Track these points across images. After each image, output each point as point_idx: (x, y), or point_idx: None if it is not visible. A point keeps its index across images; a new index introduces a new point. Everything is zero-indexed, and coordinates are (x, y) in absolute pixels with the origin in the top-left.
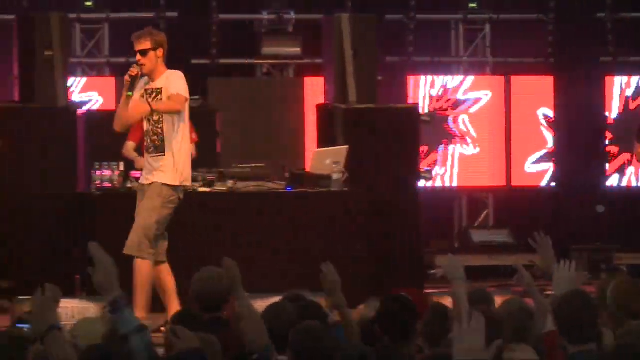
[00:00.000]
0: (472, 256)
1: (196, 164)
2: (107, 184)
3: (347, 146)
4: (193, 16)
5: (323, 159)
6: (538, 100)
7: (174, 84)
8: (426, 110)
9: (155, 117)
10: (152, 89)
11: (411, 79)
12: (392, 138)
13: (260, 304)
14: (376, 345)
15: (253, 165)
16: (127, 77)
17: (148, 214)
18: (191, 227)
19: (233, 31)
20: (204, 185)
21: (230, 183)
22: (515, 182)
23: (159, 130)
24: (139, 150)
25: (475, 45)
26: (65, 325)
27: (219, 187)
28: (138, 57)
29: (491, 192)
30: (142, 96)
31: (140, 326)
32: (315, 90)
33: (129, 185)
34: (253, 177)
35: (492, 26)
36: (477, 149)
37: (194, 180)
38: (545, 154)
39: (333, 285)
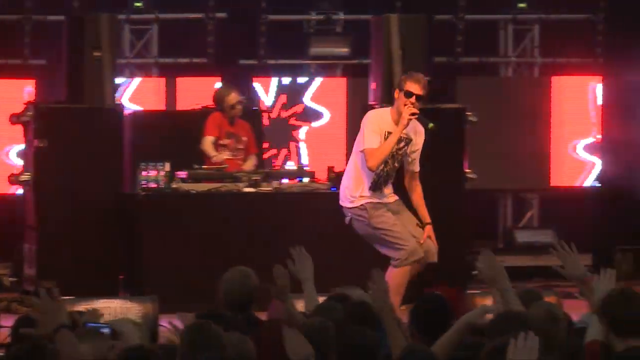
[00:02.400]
0: (516, 257)
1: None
2: (152, 185)
3: None
4: (242, 17)
5: None
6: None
7: (419, 148)
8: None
9: (396, 164)
10: (404, 138)
11: (458, 80)
12: (439, 138)
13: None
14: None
15: (299, 165)
16: (412, 117)
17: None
18: (234, 228)
19: (281, 32)
20: (248, 186)
21: (275, 183)
22: (558, 182)
23: (393, 174)
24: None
25: (524, 45)
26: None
27: (264, 188)
28: (414, 100)
29: (536, 192)
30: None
31: None
32: (360, 91)
33: (174, 185)
34: (298, 176)
35: (541, 26)
36: None
37: (238, 180)
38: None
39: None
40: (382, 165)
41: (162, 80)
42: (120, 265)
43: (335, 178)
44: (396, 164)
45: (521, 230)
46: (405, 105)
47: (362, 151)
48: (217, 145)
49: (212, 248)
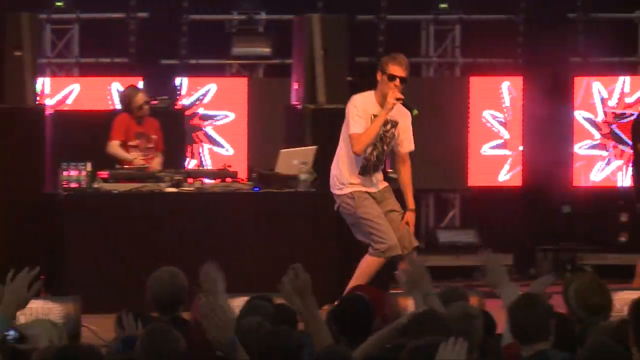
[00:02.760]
0: (438, 257)
1: (164, 165)
2: (74, 184)
3: (315, 147)
4: (164, 16)
5: (290, 159)
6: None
7: (409, 129)
8: None
9: (385, 147)
10: (390, 120)
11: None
12: None
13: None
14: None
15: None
16: (397, 102)
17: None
18: (157, 228)
19: (203, 31)
20: (171, 186)
21: (197, 183)
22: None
23: (382, 158)
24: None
25: (445, 45)
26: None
27: (186, 188)
28: (398, 82)
29: (458, 192)
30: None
31: None
32: (283, 91)
33: (95, 185)
34: (220, 176)
35: (462, 27)
36: None
37: (160, 180)
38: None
39: (303, 287)
40: (371, 149)
41: (84, 80)
42: (42, 265)
43: (257, 178)
44: (385, 147)
45: (443, 230)
46: (389, 88)
47: (349, 135)
48: (127, 147)
49: (135, 248)
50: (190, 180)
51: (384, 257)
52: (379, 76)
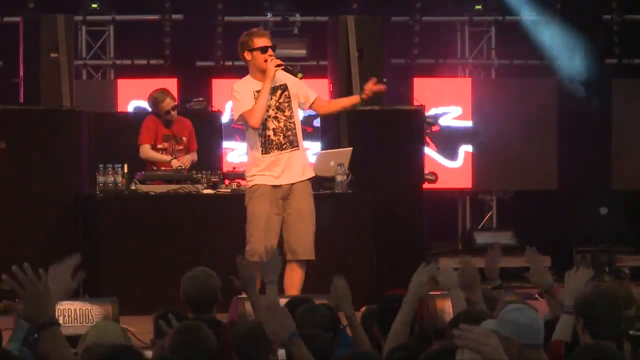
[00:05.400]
0: (475, 258)
1: (199, 166)
2: (110, 186)
3: (351, 148)
4: (198, 18)
5: (327, 161)
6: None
7: (300, 82)
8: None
9: (287, 113)
10: (278, 86)
11: (417, 81)
12: (397, 140)
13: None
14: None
15: None
16: (277, 68)
17: (314, 217)
18: (194, 229)
19: (238, 33)
20: (207, 187)
21: (233, 185)
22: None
23: (292, 125)
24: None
25: (480, 47)
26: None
27: (223, 190)
28: (270, 52)
29: (495, 194)
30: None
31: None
32: (319, 93)
33: (132, 187)
34: None
35: (497, 28)
36: None
37: (197, 182)
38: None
39: (343, 298)
40: (275, 123)
41: (120, 82)
42: (79, 266)
43: None
44: (287, 113)
45: (480, 231)
46: (265, 60)
47: (240, 116)
48: (155, 150)
49: (171, 249)
50: (226, 181)
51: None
52: (247, 56)
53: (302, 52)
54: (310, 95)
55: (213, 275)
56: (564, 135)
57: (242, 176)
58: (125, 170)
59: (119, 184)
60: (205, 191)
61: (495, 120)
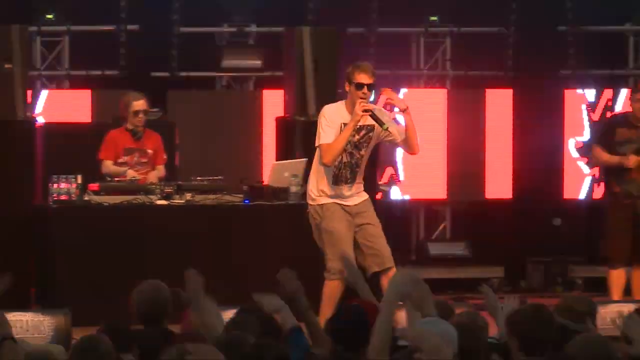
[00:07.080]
0: (429, 269)
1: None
2: (64, 197)
3: (305, 159)
4: (154, 29)
5: (281, 172)
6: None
7: (388, 120)
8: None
9: (362, 152)
10: (364, 125)
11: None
12: None
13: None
14: (330, 354)
15: (211, 178)
16: (365, 114)
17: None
18: (148, 240)
19: (194, 44)
20: (161, 198)
21: (188, 196)
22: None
23: (360, 162)
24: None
25: (436, 58)
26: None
27: (177, 201)
28: (365, 90)
29: (448, 205)
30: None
31: None
32: (274, 103)
33: (86, 197)
34: (211, 190)
35: (453, 39)
36: None
37: (151, 193)
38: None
39: (294, 291)
40: (345, 157)
41: (75, 93)
42: (32, 278)
43: (249, 191)
44: (362, 152)
45: (434, 242)
46: (357, 97)
47: (318, 147)
48: (117, 165)
49: (125, 260)
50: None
51: (330, 280)
52: (347, 87)
53: (258, 62)
54: (397, 139)
55: (162, 288)
56: (519, 146)
57: (199, 188)
58: (79, 181)
59: (73, 195)
60: (159, 202)
61: (450, 130)
